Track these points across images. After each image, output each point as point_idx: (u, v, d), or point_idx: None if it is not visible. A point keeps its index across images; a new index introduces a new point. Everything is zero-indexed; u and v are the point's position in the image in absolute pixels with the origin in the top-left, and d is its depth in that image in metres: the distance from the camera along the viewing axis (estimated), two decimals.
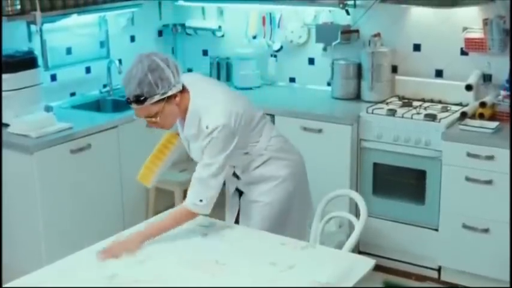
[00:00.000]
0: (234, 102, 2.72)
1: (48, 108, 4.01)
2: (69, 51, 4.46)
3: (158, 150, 2.96)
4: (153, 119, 2.58)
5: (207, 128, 2.59)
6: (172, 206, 3.86)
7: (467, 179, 3.67)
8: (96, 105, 4.54)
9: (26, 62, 3.87)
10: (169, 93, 2.54)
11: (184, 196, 4.42)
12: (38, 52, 4.08)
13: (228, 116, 2.62)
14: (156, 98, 2.51)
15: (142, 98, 2.49)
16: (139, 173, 2.97)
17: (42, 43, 4.19)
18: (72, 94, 4.53)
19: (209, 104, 2.64)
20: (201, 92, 2.69)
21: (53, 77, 4.37)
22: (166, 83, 2.52)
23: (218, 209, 3.93)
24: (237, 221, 2.99)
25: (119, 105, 4.47)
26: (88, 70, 4.62)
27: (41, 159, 3.61)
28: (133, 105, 2.54)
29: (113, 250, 2.46)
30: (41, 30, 4.13)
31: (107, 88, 4.65)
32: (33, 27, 4.11)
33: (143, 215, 4.20)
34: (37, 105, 3.92)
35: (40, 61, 4.06)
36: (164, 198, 4.28)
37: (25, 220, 3.70)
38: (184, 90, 2.63)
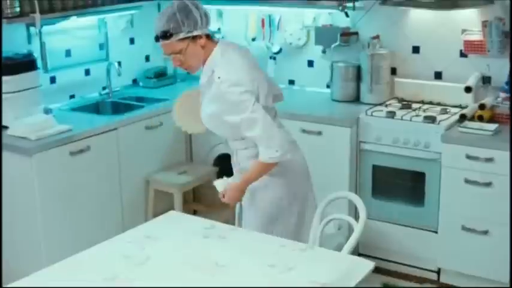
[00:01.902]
0: (252, 71, 2.81)
1: (47, 111, 4.01)
2: (68, 53, 4.46)
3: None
4: (178, 55, 2.76)
5: (219, 78, 2.73)
6: (171, 208, 3.86)
7: (467, 181, 3.67)
8: (96, 108, 4.54)
9: (25, 64, 3.87)
10: (194, 33, 2.73)
11: (184, 198, 4.42)
12: (37, 54, 4.07)
13: (241, 78, 2.72)
14: (181, 35, 2.71)
15: (168, 34, 2.70)
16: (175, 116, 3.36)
17: (42, 45, 4.18)
18: (72, 96, 4.52)
19: (227, 61, 2.77)
20: (227, 54, 2.80)
21: (52, 79, 4.37)
22: (192, 22, 2.71)
23: (222, 208, 3.92)
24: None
25: (119, 108, 4.47)
26: (87, 72, 4.61)
27: (41, 161, 3.61)
28: (160, 41, 2.74)
29: (228, 196, 2.85)
30: (40, 32, 4.13)
31: (107, 90, 4.65)
32: (32, 30, 4.12)
33: (142, 217, 4.20)
34: (36, 108, 3.92)
35: (39, 63, 4.06)
36: (163, 201, 4.27)
37: (25, 222, 3.70)
38: (213, 41, 2.82)
